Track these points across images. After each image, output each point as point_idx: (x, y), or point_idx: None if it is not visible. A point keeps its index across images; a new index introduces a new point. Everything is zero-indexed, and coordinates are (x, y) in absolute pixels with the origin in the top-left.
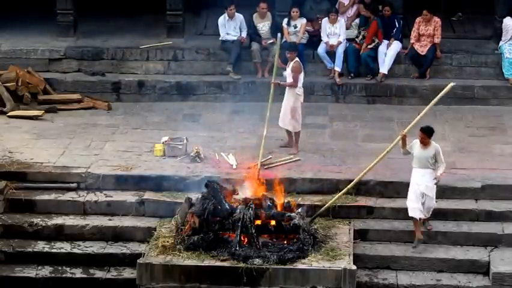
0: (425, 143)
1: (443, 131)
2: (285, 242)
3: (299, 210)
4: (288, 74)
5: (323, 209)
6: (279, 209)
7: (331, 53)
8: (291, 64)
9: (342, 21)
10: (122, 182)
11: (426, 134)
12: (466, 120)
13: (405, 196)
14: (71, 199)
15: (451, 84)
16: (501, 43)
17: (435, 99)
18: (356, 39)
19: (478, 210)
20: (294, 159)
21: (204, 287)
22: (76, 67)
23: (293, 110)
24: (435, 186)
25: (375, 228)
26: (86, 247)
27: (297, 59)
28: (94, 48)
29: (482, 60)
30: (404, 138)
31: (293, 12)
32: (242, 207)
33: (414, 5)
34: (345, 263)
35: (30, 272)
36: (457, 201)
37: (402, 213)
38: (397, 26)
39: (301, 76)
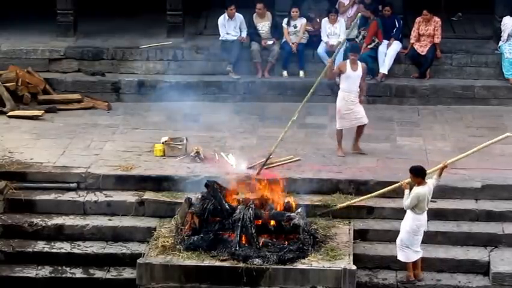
0: (415, 183)
1: (443, 131)
2: (285, 242)
3: (299, 210)
4: (356, 76)
5: (353, 202)
6: (279, 209)
7: (331, 53)
8: (358, 67)
9: (342, 21)
10: (122, 182)
11: (411, 173)
12: (466, 120)
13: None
14: (71, 199)
15: (507, 134)
16: (501, 43)
17: (488, 143)
18: (356, 39)
19: (478, 210)
20: (294, 159)
21: (204, 287)
22: (76, 67)
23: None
24: (409, 233)
25: (375, 228)
26: (86, 247)
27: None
28: (94, 48)
29: (482, 60)
30: (443, 168)
31: (293, 12)
32: (242, 207)
33: (414, 5)
34: (345, 263)
35: (30, 272)
36: (457, 201)
37: (402, 213)
38: (397, 26)
39: None
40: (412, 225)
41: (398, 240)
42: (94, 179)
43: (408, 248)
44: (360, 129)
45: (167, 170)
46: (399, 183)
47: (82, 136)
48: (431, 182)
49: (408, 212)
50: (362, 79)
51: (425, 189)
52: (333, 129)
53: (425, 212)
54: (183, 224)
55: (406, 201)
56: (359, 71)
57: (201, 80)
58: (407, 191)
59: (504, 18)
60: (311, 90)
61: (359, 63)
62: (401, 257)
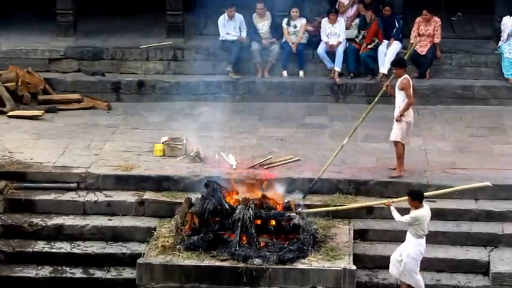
0: (412, 206)
1: (443, 131)
2: (285, 242)
3: (299, 209)
4: (397, 91)
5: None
6: (278, 209)
7: (331, 53)
8: (398, 81)
9: (342, 21)
10: (122, 182)
11: (408, 196)
12: (466, 120)
13: (405, 196)
14: (71, 199)
15: (487, 183)
16: (501, 43)
17: (465, 188)
18: (356, 39)
19: (477, 210)
20: (294, 159)
21: (204, 287)
22: (75, 67)
23: (408, 124)
24: (415, 260)
25: (375, 228)
26: (86, 247)
27: (405, 75)
28: (94, 48)
29: (482, 60)
30: None
31: (293, 12)
32: (242, 207)
33: (414, 5)
34: (345, 263)
35: (30, 272)
36: (457, 201)
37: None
38: (397, 26)
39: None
40: (416, 251)
41: (402, 268)
42: (94, 179)
43: (416, 273)
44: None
45: (167, 170)
46: (383, 201)
47: (82, 136)
48: (427, 206)
49: (410, 237)
50: (405, 95)
51: (424, 212)
52: (334, 129)
53: (425, 236)
54: (183, 224)
55: (403, 217)
56: (399, 86)
57: (201, 80)
58: (392, 208)
59: (504, 18)
60: (370, 107)
61: (405, 77)
62: (413, 282)
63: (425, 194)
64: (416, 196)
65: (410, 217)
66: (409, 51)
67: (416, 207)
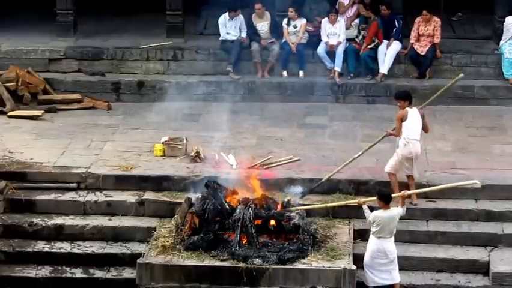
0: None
1: (443, 131)
2: (285, 242)
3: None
4: None
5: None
6: (278, 208)
7: (331, 53)
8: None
9: (342, 21)
10: (122, 182)
11: (376, 195)
12: (465, 120)
13: None
14: (71, 199)
15: (475, 181)
16: (501, 43)
17: (455, 185)
18: (356, 39)
19: (477, 210)
20: (294, 159)
21: (204, 287)
22: (76, 67)
23: (397, 156)
24: (369, 257)
25: None
26: (86, 247)
27: (407, 108)
28: (94, 48)
29: (482, 60)
30: (403, 197)
31: (290, 12)
32: (242, 207)
33: (414, 5)
34: (345, 263)
35: (30, 272)
36: (457, 201)
37: None
38: (397, 26)
39: (406, 124)
40: (370, 248)
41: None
42: (94, 179)
43: (370, 271)
44: None
45: (167, 170)
46: (355, 201)
47: (82, 136)
48: (396, 210)
49: (370, 235)
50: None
51: (384, 215)
52: (334, 129)
53: (388, 241)
54: (183, 224)
55: (368, 218)
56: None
57: (201, 80)
58: (364, 207)
59: (507, 18)
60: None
61: (405, 110)
62: (365, 280)
63: (415, 191)
64: (381, 197)
65: (371, 216)
66: (452, 82)
67: (382, 208)
